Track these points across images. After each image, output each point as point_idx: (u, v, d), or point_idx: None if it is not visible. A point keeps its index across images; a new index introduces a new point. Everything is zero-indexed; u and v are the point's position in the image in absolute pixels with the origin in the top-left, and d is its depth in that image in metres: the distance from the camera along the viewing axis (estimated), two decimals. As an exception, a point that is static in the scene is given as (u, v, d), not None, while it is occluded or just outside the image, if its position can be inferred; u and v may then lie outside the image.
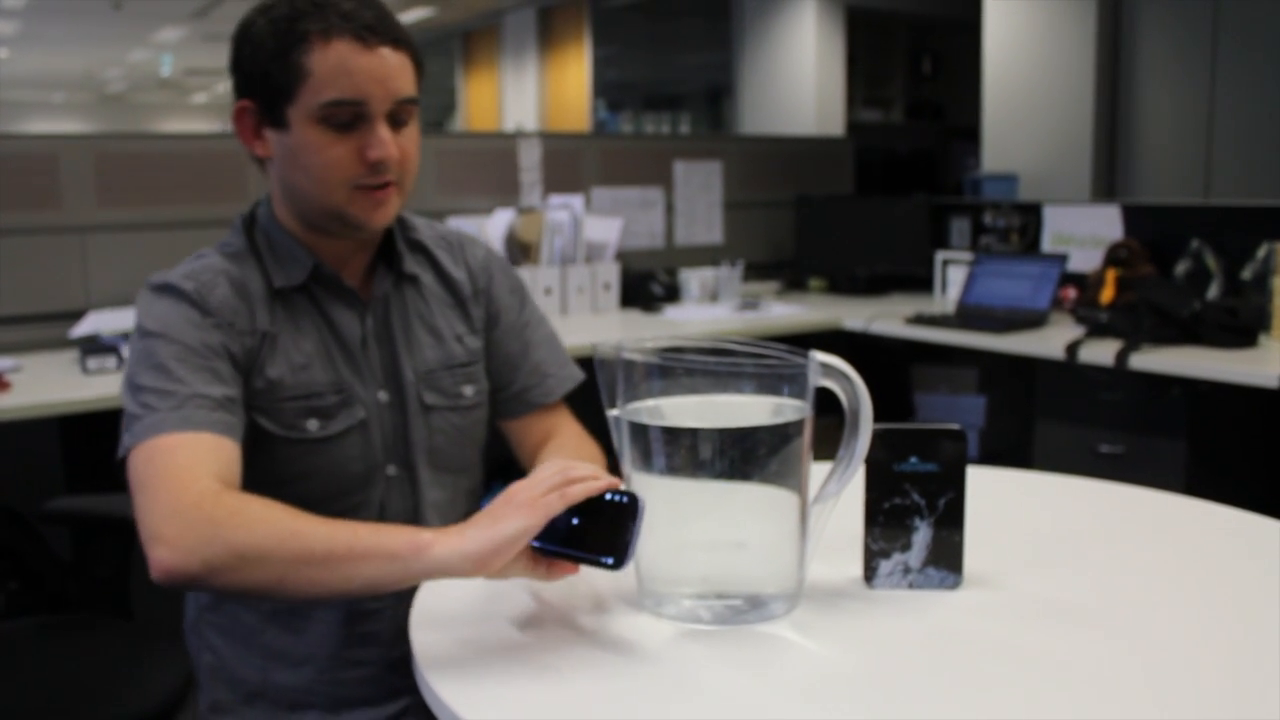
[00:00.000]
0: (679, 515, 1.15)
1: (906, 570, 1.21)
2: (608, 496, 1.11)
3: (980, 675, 1.03)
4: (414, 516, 1.40)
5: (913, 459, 1.20)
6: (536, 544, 1.09)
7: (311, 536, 1.08)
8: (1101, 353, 2.79)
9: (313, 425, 1.32)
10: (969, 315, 3.29)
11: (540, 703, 0.98)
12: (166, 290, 1.29)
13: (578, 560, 1.11)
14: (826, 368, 1.14)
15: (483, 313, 1.48)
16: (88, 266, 2.91)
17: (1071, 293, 3.48)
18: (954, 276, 3.73)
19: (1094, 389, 2.88)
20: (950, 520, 1.20)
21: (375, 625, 1.39)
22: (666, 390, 1.16)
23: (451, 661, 1.05)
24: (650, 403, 1.15)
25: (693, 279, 3.74)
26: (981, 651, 1.07)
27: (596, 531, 1.10)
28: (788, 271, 4.20)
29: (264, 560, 1.07)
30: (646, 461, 1.14)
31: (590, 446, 1.50)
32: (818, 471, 1.16)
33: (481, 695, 0.99)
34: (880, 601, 1.18)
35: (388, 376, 1.38)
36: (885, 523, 1.20)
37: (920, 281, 3.97)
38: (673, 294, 3.72)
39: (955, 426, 1.20)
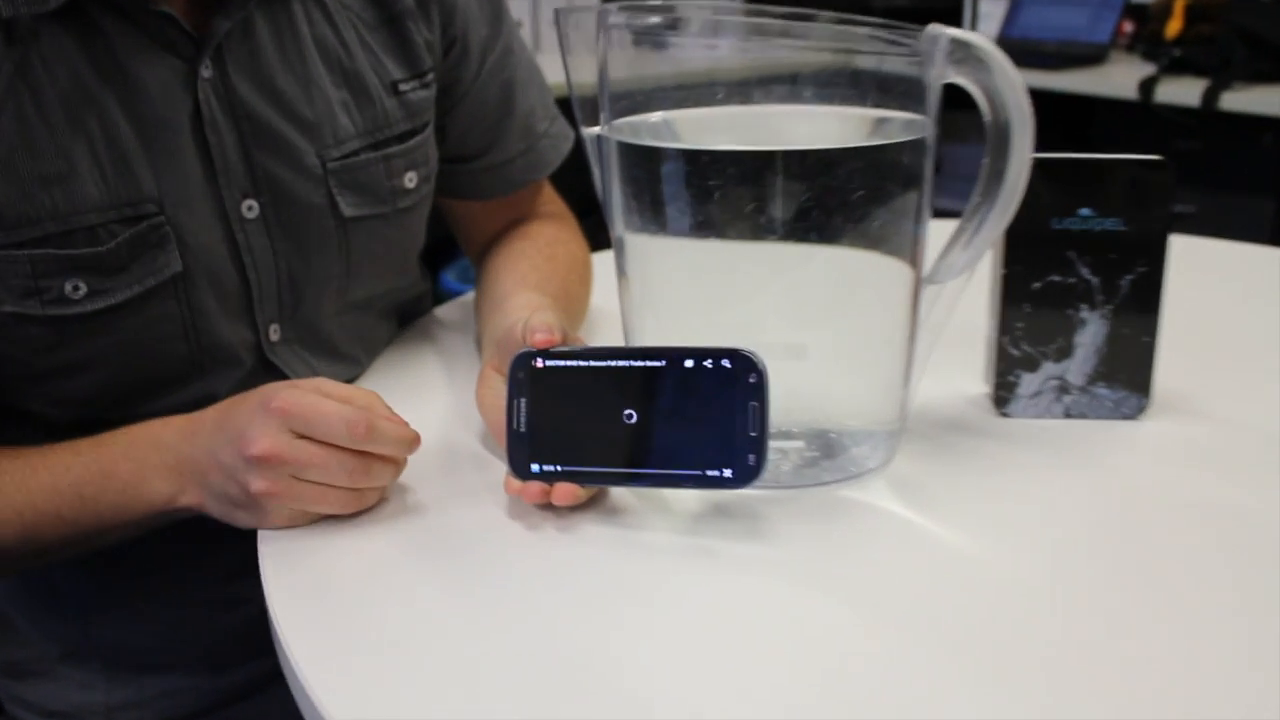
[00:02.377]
0: (707, 305, 0.69)
1: (1063, 389, 0.76)
2: (694, 363, 0.63)
3: (1196, 578, 0.60)
4: None
5: (1083, 210, 0.73)
6: (550, 468, 0.65)
7: (36, 524, 0.70)
8: (1182, 92, 2.29)
9: (76, 291, 0.72)
10: (1012, 50, 2.71)
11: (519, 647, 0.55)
12: None
13: (648, 483, 0.65)
14: (960, 49, 0.65)
15: (437, 37, 0.87)
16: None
17: (1128, 26, 2.94)
18: (988, 9, 3.17)
19: (1165, 136, 2.41)
20: (1139, 309, 0.74)
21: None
22: (682, 101, 0.68)
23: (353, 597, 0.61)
24: (658, 116, 0.67)
25: None
26: (1190, 524, 0.64)
27: (677, 426, 0.63)
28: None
29: None
30: (651, 216, 0.67)
31: (572, 255, 0.96)
32: (934, 234, 0.69)
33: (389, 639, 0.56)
34: (1021, 441, 0.74)
35: (259, 173, 0.77)
36: (1033, 315, 0.75)
37: (943, 14, 3.39)
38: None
39: (1155, 157, 0.73)
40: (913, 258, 0.68)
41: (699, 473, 0.62)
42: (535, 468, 0.64)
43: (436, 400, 0.82)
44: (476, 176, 0.94)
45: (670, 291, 0.71)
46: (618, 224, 0.69)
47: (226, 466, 0.63)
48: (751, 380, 0.62)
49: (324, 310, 0.83)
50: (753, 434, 0.61)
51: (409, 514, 0.67)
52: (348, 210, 0.81)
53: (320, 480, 0.62)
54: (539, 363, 0.65)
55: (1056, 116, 2.71)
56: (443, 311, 1.04)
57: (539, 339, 0.65)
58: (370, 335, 0.90)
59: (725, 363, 0.62)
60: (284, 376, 0.80)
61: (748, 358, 0.62)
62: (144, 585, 0.84)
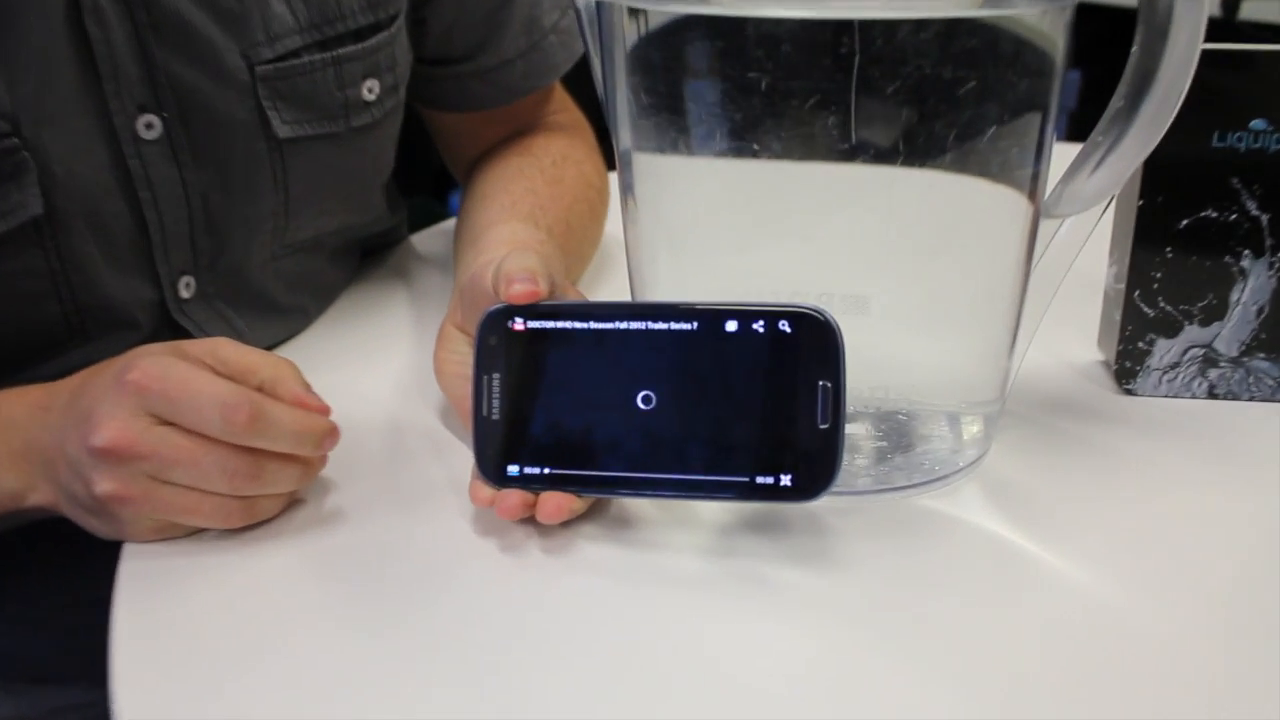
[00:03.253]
0: (743, 244, 0.52)
1: (1210, 362, 0.58)
2: (738, 325, 0.45)
3: None
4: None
5: (1257, 122, 0.54)
6: (533, 470, 0.47)
7: None
8: (1271, 7, 2.06)
9: None
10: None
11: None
12: None
13: (672, 492, 0.47)
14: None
15: None
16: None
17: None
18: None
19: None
20: (1319, 258, 0.56)
21: None
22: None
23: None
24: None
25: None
26: None
27: (714, 414, 0.46)
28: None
29: None
30: (670, 121, 0.49)
31: (583, 178, 0.75)
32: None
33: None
34: (1153, 428, 0.56)
35: (161, 79, 0.58)
36: (1176, 262, 0.56)
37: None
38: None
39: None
40: (1031, 184, 0.49)
41: (746, 479, 0.45)
42: (513, 470, 0.47)
43: (393, 363, 0.65)
44: (465, 83, 0.75)
45: (694, 225, 0.53)
46: (623, 132, 0.51)
47: (71, 458, 0.46)
48: (823, 351, 0.44)
49: (255, 256, 0.65)
50: (823, 426, 0.44)
51: (327, 529, 0.49)
52: (284, 129, 0.62)
53: (189, 483, 0.45)
54: (518, 324, 0.47)
55: (1118, 35, 2.48)
56: (421, 241, 0.86)
57: (517, 291, 0.47)
58: (320, 281, 0.72)
59: (784, 325, 0.44)
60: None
61: (817, 318, 0.44)
62: (23, 588, 0.67)
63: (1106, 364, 0.60)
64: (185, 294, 0.62)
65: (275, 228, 0.65)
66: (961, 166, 0.48)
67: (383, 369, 0.64)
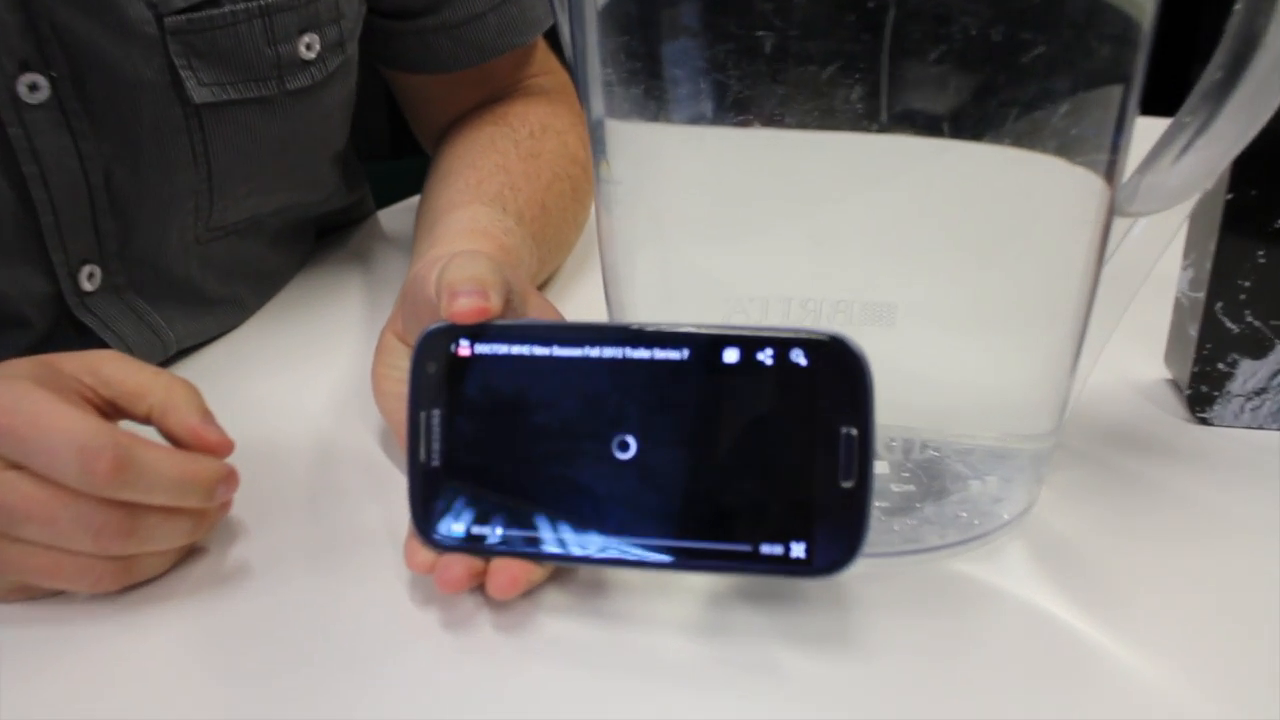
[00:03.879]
0: (741, 239, 0.42)
1: (1306, 388, 0.48)
2: (740, 354, 0.36)
3: None
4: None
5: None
6: (483, 531, 0.38)
7: None
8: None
9: None
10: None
11: None
12: None
13: (657, 564, 0.38)
14: None
15: None
16: None
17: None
18: None
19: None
20: None
21: None
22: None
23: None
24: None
25: None
26: None
27: (711, 467, 0.36)
28: None
29: None
30: (653, 84, 0.39)
31: (565, 152, 0.65)
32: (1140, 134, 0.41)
33: None
34: (1236, 469, 0.47)
35: (47, 32, 0.48)
36: (1268, 269, 0.47)
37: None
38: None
39: None
40: (1108, 169, 0.40)
41: (748, 548, 0.36)
42: (457, 531, 0.38)
43: (336, 369, 0.55)
44: (430, 40, 0.65)
45: (681, 214, 0.43)
46: (594, 101, 0.41)
47: None
48: (847, 389, 0.35)
49: (174, 241, 0.56)
50: (846, 484, 0.35)
51: (229, 591, 0.40)
52: (201, 93, 0.52)
53: (45, 541, 0.36)
54: (463, 349, 0.38)
55: None
56: (390, 219, 0.77)
57: (462, 307, 0.38)
58: (259, 269, 0.63)
59: (797, 356, 0.35)
60: (102, 344, 0.53)
61: (840, 347, 0.35)
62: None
63: (1175, 385, 0.51)
64: (88, 286, 0.52)
65: (197, 208, 0.55)
66: (1018, 140, 0.38)
67: (323, 377, 0.54)
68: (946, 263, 0.41)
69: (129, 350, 0.53)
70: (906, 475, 0.44)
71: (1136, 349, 0.53)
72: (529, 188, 0.59)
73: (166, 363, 0.57)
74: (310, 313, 0.62)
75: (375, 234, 0.74)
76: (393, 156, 1.92)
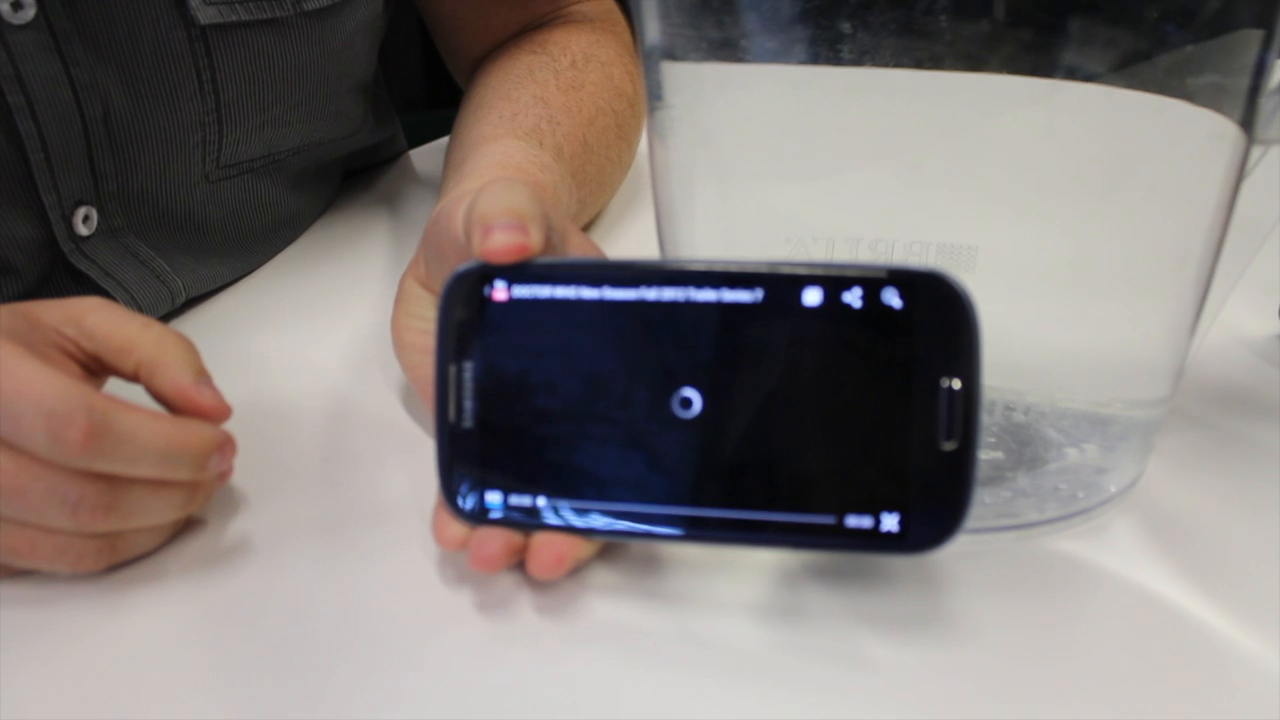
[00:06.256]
0: (811, 178, 0.37)
1: None
2: (824, 294, 0.31)
3: None
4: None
5: None
6: (521, 501, 0.33)
7: None
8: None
9: None
10: None
11: None
12: None
13: (724, 538, 0.34)
14: None
15: None
16: None
17: None
18: None
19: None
20: None
21: None
22: None
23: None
24: None
25: None
26: None
27: (787, 426, 0.31)
28: None
29: None
30: (718, 11, 0.34)
31: (610, 84, 0.59)
32: None
33: None
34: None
35: None
36: None
37: None
38: None
39: None
40: (1244, 116, 0.34)
41: (831, 520, 0.31)
42: (493, 502, 0.33)
43: (355, 322, 0.51)
44: None
45: (744, 146, 0.38)
46: (649, 23, 0.36)
47: None
48: (950, 335, 0.30)
49: (180, 179, 0.51)
50: (947, 445, 0.30)
51: (229, 570, 0.35)
52: (206, 12, 0.47)
53: (18, 517, 0.32)
54: (498, 292, 0.33)
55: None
56: (422, 159, 0.72)
57: (498, 243, 0.33)
58: (277, 213, 0.58)
59: (890, 297, 0.30)
60: (102, 293, 0.48)
61: (939, 284, 0.30)
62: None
63: (1291, 342, 0.46)
64: (84, 230, 0.47)
65: (205, 142, 0.50)
66: (1142, 82, 0.33)
67: (342, 330, 0.50)
68: (1043, 203, 0.36)
69: (133, 301, 0.49)
70: (993, 440, 0.39)
71: (1248, 305, 0.47)
72: (569, 122, 0.54)
73: (173, 314, 0.52)
74: (330, 260, 0.58)
75: (406, 175, 0.69)
76: (428, 107, 1.85)
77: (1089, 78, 0.32)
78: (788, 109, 0.37)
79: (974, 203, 0.36)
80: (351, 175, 0.68)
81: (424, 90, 1.78)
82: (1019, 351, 0.38)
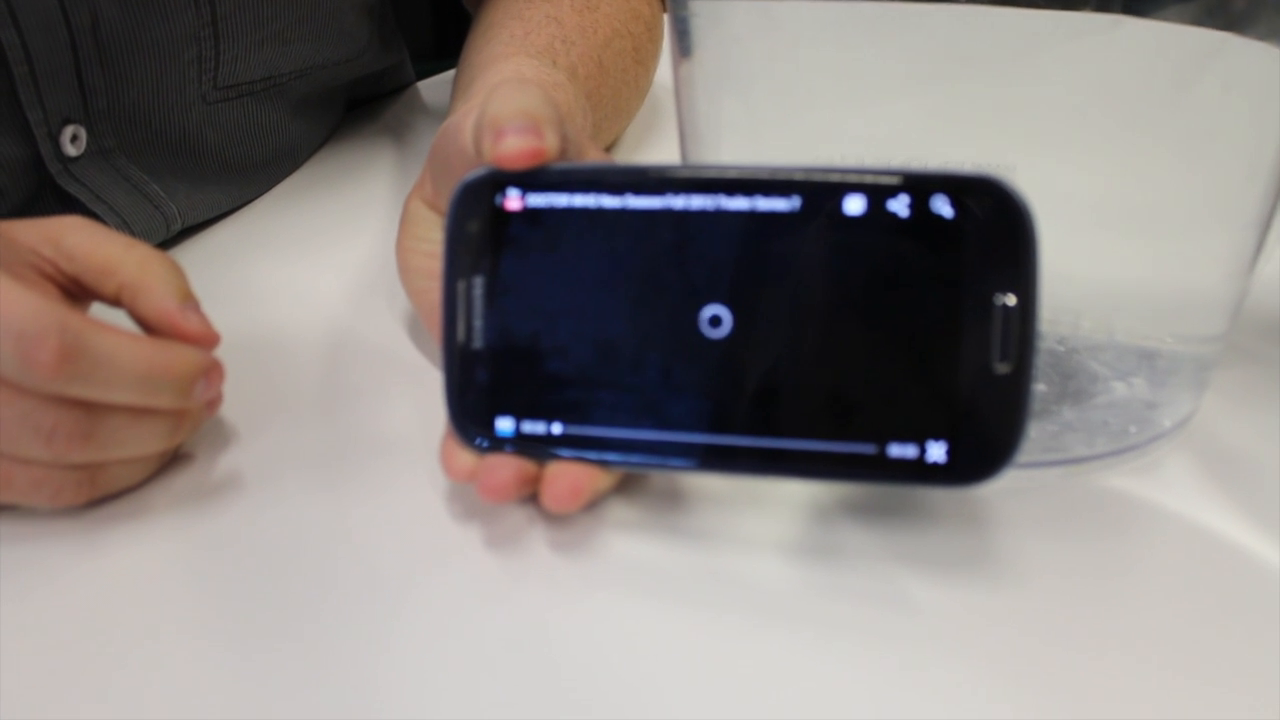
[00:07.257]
0: (846, 93, 0.34)
1: None
2: (866, 202, 0.28)
3: None
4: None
5: None
6: (535, 427, 0.31)
7: None
8: None
9: None
10: None
11: None
12: None
13: (757, 469, 0.31)
14: None
15: None
16: None
17: None
18: None
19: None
20: None
21: None
22: None
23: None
24: None
25: None
26: None
27: (825, 347, 0.29)
28: None
29: None
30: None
31: (626, 4, 0.56)
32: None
33: None
34: None
35: None
36: None
37: None
38: None
39: None
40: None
41: (873, 450, 0.28)
42: (504, 427, 0.31)
43: (358, 251, 0.48)
44: None
45: (776, 69, 0.35)
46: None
47: None
48: (1005, 247, 0.27)
49: (175, 98, 0.48)
50: (1001, 368, 0.27)
51: (221, 505, 0.33)
52: None
53: None
54: (512, 201, 0.30)
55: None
56: (430, 89, 0.69)
57: (511, 147, 0.30)
58: (278, 140, 0.55)
59: (940, 205, 0.28)
60: (93, 218, 0.46)
61: (995, 191, 0.27)
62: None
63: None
64: (72, 150, 0.45)
65: (201, 58, 0.48)
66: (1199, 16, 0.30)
67: (345, 259, 0.47)
68: (1093, 125, 0.33)
69: (125, 226, 0.46)
70: (1045, 377, 0.37)
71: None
72: (584, 42, 0.51)
73: (169, 243, 0.50)
74: (334, 189, 0.55)
75: (413, 105, 0.66)
76: (435, 57, 1.82)
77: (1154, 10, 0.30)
78: (826, 34, 0.35)
79: (1020, 119, 0.34)
80: (356, 105, 0.65)
81: (432, 40, 1.74)
82: (1068, 282, 0.36)
